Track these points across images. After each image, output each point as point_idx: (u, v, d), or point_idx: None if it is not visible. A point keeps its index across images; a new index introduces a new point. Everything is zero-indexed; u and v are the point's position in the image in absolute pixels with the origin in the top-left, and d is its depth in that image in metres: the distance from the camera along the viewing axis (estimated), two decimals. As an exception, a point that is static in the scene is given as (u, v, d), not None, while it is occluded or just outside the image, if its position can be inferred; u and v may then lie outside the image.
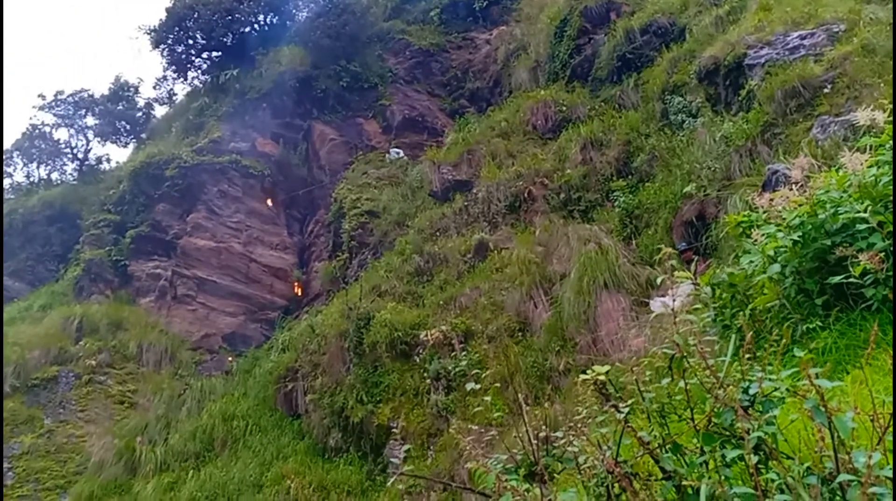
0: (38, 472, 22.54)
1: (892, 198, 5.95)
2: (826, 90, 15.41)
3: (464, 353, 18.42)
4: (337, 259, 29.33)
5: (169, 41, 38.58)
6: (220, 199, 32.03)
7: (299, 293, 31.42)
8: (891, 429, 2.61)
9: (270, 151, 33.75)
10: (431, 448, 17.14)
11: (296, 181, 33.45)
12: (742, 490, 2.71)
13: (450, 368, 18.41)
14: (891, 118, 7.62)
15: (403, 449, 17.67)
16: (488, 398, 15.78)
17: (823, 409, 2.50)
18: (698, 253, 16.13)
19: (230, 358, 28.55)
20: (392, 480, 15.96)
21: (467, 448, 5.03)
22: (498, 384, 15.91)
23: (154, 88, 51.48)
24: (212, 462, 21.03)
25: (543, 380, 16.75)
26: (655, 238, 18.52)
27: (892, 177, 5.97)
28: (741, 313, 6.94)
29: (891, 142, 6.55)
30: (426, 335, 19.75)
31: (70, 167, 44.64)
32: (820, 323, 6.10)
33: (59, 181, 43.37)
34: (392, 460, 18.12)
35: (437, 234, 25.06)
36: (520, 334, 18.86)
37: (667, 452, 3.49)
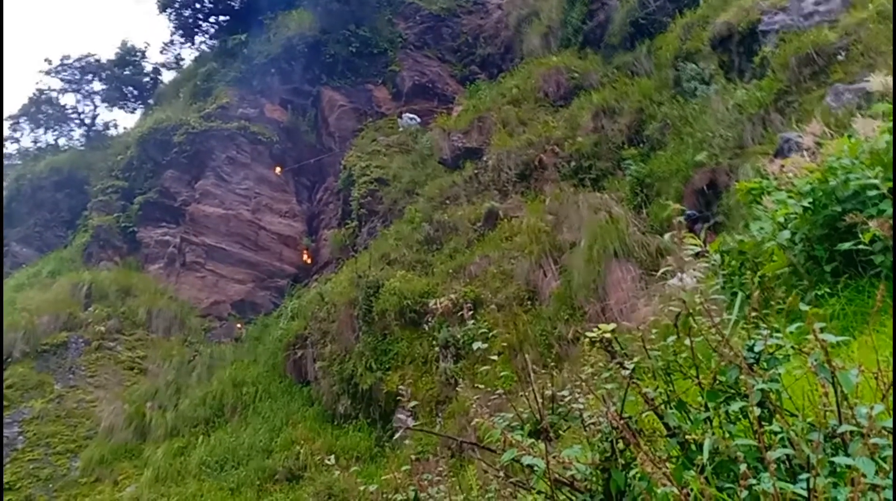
0: (48, 436, 22.80)
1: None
2: (840, 57, 15.19)
3: (472, 321, 18.46)
4: (346, 227, 29.34)
5: (176, 5, 38.34)
6: (228, 165, 32.02)
7: (308, 261, 31.48)
8: (892, 385, 2.60)
9: (279, 117, 33.63)
10: (440, 415, 17.26)
11: (305, 148, 33.35)
12: (745, 443, 2.72)
13: (458, 336, 18.49)
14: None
15: (411, 416, 17.81)
16: (496, 359, 15.94)
17: (827, 365, 2.49)
18: (709, 222, 16.04)
19: (239, 325, 28.70)
20: (398, 434, 16.08)
21: (474, 407, 5.04)
22: (505, 352, 16.02)
23: (161, 52, 51.35)
24: (221, 428, 21.27)
25: (551, 348, 16.80)
26: (666, 207, 18.40)
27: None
28: (750, 279, 6.91)
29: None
30: (435, 304, 19.82)
31: (77, 133, 44.67)
32: (829, 290, 6.06)
33: (66, 147, 43.35)
34: (400, 427, 18.28)
35: (447, 202, 25.01)
36: (529, 302, 18.90)
37: (671, 409, 3.50)
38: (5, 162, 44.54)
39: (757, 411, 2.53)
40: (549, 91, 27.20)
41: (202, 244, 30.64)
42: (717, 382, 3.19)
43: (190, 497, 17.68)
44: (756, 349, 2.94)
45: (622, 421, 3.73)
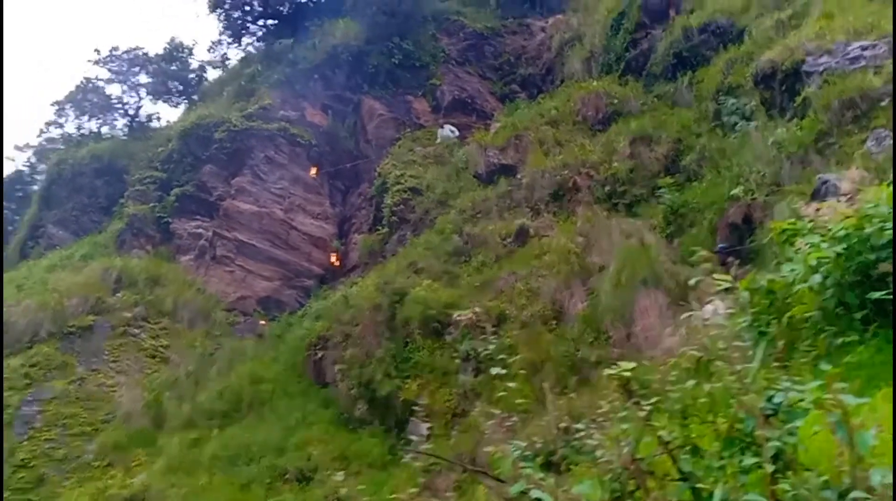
0: (66, 417, 23.13)
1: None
2: (883, 103, 15.05)
3: (495, 336, 18.46)
4: (376, 233, 29.53)
5: (226, 6, 38.91)
6: (265, 164, 32.41)
7: (336, 264, 31.68)
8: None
9: (319, 121, 34.01)
10: (455, 428, 17.26)
11: (342, 153, 33.66)
12: (755, 498, 2.74)
13: (480, 350, 18.48)
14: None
15: (426, 427, 17.83)
16: (514, 384, 15.85)
17: (845, 424, 2.51)
18: (741, 257, 15.93)
19: (263, 322, 28.94)
20: (408, 457, 16.13)
21: (488, 431, 5.09)
22: (527, 371, 15.98)
23: (208, 51, 52.04)
24: (237, 423, 21.41)
25: (573, 371, 16.75)
26: (699, 239, 18.31)
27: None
28: (777, 320, 6.88)
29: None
30: (459, 316, 19.85)
31: (120, 123, 45.41)
32: (857, 337, 6.03)
33: (108, 135, 44.05)
34: (414, 437, 18.30)
35: (479, 216, 25.05)
36: (553, 322, 18.87)
37: (685, 453, 3.52)
38: (49, 146, 45.42)
39: (770, 467, 2.56)
40: (587, 115, 27.20)
41: (234, 240, 31.01)
42: (734, 429, 3.21)
43: (200, 490, 17.80)
44: (775, 400, 2.96)
45: (635, 463, 3.77)
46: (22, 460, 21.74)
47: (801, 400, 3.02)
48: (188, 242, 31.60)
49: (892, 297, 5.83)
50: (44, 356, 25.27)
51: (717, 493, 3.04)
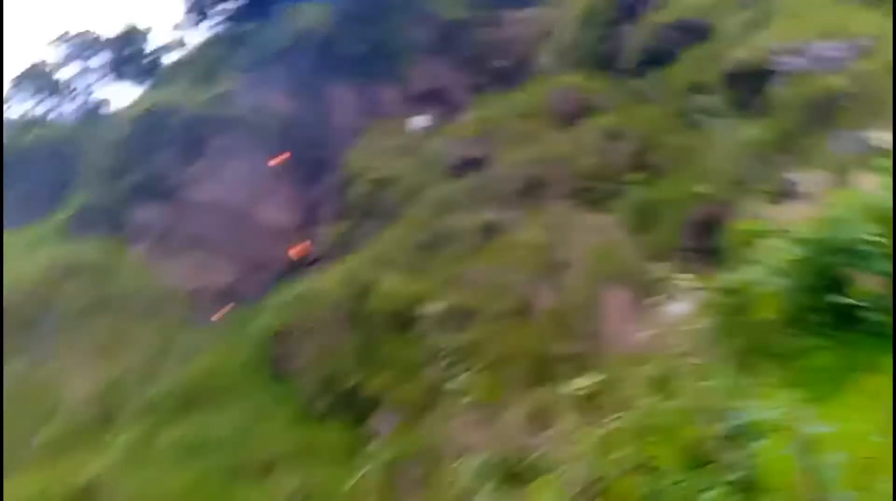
0: (13, 407, 22.46)
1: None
2: (845, 103, 15.22)
3: (463, 331, 18.39)
4: (342, 225, 29.18)
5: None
6: (225, 152, 31.74)
7: (300, 255, 31.23)
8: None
9: (283, 109, 33.32)
10: (422, 421, 17.14)
11: (306, 142, 33.07)
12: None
13: (448, 344, 18.40)
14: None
15: (392, 420, 17.72)
16: (481, 379, 15.89)
17: (807, 451, 2.43)
18: (705, 256, 16.00)
19: (221, 314, 28.31)
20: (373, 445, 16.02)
21: (454, 426, 4.97)
22: (492, 366, 15.96)
23: (171, 31, 50.87)
24: (193, 416, 20.93)
25: (540, 365, 16.71)
26: (665, 235, 18.42)
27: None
28: (740, 322, 6.88)
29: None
30: (427, 310, 19.75)
31: (70, 108, 44.16)
32: (818, 341, 6.03)
33: (57, 122, 42.86)
34: (380, 430, 18.16)
35: (448, 209, 24.91)
36: (521, 317, 18.85)
37: (645, 474, 3.44)
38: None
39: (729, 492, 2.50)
40: (558, 109, 27.15)
41: (190, 229, 30.35)
42: (696, 449, 3.14)
43: (151, 483, 17.38)
44: (736, 422, 2.90)
45: (593, 484, 3.67)
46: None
47: (762, 422, 2.95)
48: (142, 231, 30.85)
49: (848, 301, 5.84)
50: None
51: None
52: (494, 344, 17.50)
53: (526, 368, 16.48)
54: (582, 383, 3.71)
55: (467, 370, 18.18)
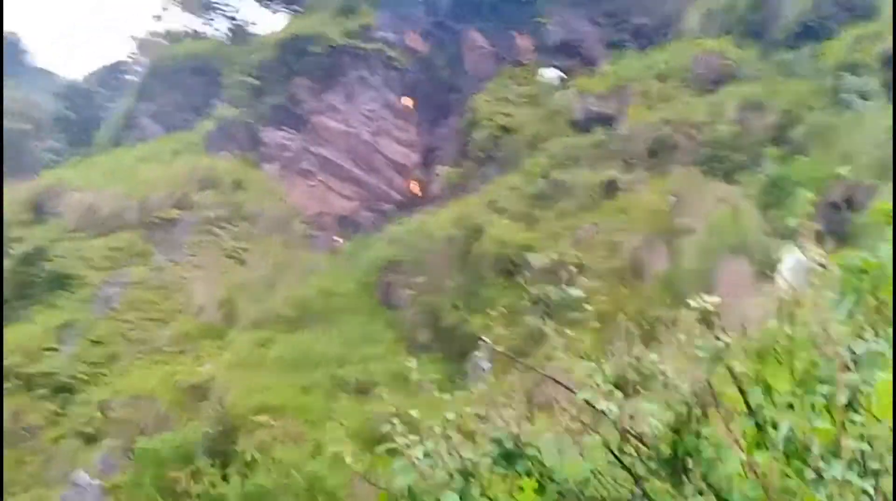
0: (143, 302, 23.95)
1: None
2: None
3: (570, 284, 18.20)
4: (461, 167, 29.27)
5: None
6: (358, 84, 32.33)
7: (417, 192, 31.62)
8: None
9: (418, 47, 33.55)
10: (518, 366, 17.19)
11: (436, 83, 33.24)
12: (822, 426, 2.54)
13: (552, 296, 18.27)
14: None
15: (488, 361, 17.83)
16: (583, 333, 15.78)
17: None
18: (839, 236, 15.24)
19: (339, 239, 29.18)
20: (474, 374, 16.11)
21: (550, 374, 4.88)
22: (597, 323, 15.77)
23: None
24: (303, 331, 21.73)
25: (646, 328, 16.39)
26: (796, 213, 17.59)
27: None
28: (864, 299, 6.50)
29: None
30: (535, 259, 19.66)
31: (222, 25, 45.37)
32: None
33: (208, 36, 44.29)
34: (476, 369, 18.32)
35: (568, 163, 24.58)
36: (631, 278, 18.54)
37: (757, 388, 3.31)
38: (153, 39, 46.19)
39: (843, 399, 2.35)
40: (698, 73, 26.17)
41: (319, 155, 31.24)
42: (810, 373, 2.99)
43: (262, 387, 18.22)
44: (857, 351, 2.73)
45: (705, 387, 3.56)
46: (98, 337, 22.71)
47: (879, 355, 2.77)
48: (274, 151, 31.94)
49: None
50: (126, 242, 26.16)
51: (784, 424, 2.83)
52: (600, 301, 17.24)
53: (630, 328, 16.18)
54: (698, 303, 3.54)
55: (570, 323, 18.11)
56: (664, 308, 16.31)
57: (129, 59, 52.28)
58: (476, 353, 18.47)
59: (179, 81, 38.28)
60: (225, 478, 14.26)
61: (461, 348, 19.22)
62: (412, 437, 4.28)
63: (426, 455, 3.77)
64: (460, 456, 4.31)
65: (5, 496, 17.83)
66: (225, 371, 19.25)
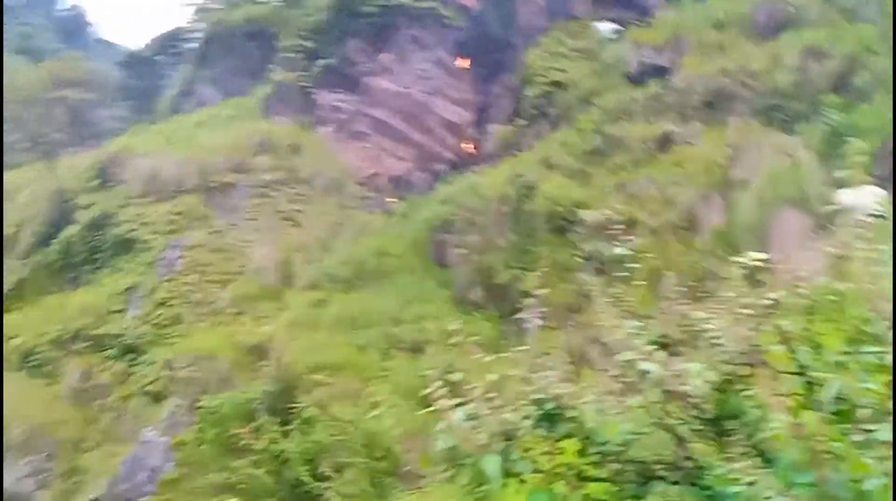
0: (204, 265, 24.60)
1: None
2: None
3: (623, 239, 18.06)
4: (514, 125, 29.07)
5: None
6: (411, 44, 32.26)
7: (470, 151, 31.58)
8: None
9: (470, 4, 33.27)
10: (568, 324, 17.21)
11: (489, 40, 32.91)
12: (873, 386, 2.54)
13: (605, 252, 18.18)
14: None
15: (540, 318, 17.89)
16: (635, 289, 15.75)
17: None
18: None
19: (393, 199, 29.42)
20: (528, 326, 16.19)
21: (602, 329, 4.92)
22: (649, 279, 15.67)
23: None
24: (359, 290, 22.13)
25: (699, 282, 16.21)
26: (855, 164, 17.06)
27: None
28: None
29: None
30: (588, 215, 19.52)
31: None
32: None
33: (264, 1, 44.48)
34: (526, 327, 18.41)
35: (622, 117, 24.15)
36: (687, 232, 18.29)
37: (806, 346, 3.29)
38: (210, 4, 46.59)
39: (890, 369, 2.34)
40: (758, 21, 25.26)
41: (372, 116, 31.39)
42: (861, 330, 2.97)
43: (320, 346, 18.65)
44: None
45: (752, 346, 3.57)
46: (162, 299, 23.47)
47: None
48: (328, 114, 32.22)
49: None
50: (187, 206, 26.85)
51: (833, 383, 2.83)
52: (654, 257, 17.10)
53: (683, 283, 16.00)
54: (745, 260, 3.54)
55: (622, 279, 17.99)
56: (718, 263, 16.16)
57: (188, 26, 52.93)
58: (527, 311, 18.54)
59: (236, 46, 38.77)
60: (285, 435, 14.75)
61: (513, 306, 19.30)
62: (455, 399, 4.37)
63: (468, 417, 3.87)
64: (501, 418, 4.40)
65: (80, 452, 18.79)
66: (283, 331, 19.73)
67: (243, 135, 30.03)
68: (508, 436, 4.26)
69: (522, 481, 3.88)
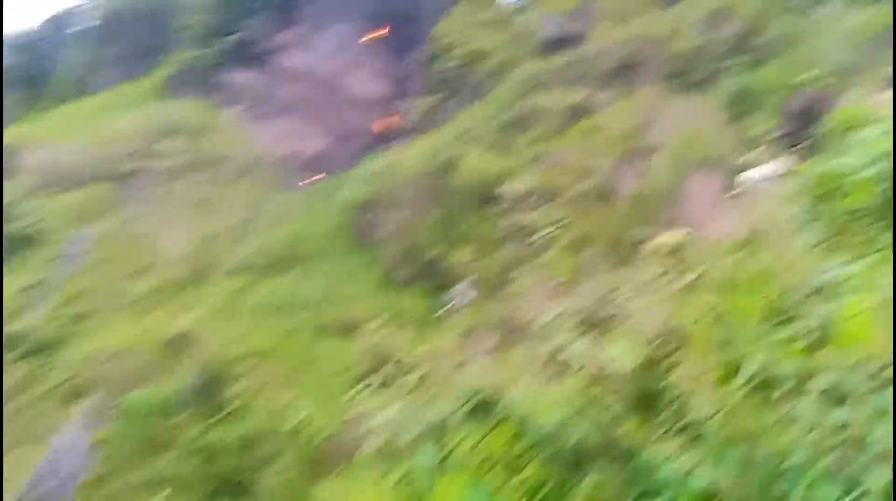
0: (113, 256, 23.68)
1: None
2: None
3: (545, 209, 18.37)
4: (430, 99, 28.97)
5: None
6: (322, 18, 31.62)
7: (390, 126, 31.33)
8: None
9: (378, -23, 32.83)
10: (498, 294, 17.44)
11: (398, 14, 32.56)
12: (792, 365, 2.71)
13: (529, 222, 18.46)
14: None
15: (470, 291, 18.08)
16: (559, 256, 16.08)
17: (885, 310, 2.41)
18: (803, 144, 15.41)
19: (311, 181, 28.94)
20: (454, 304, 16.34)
21: (530, 297, 5.08)
22: (572, 245, 16.00)
23: None
24: (281, 276, 21.73)
25: (619, 247, 16.64)
26: (762, 123, 17.73)
27: None
28: (833, 208, 6.72)
29: None
30: (509, 188, 19.74)
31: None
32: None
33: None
34: (460, 298, 18.57)
35: (538, 87, 24.38)
36: (604, 200, 18.67)
37: (726, 322, 3.46)
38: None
39: (811, 330, 2.51)
40: (664, -15, 25.79)
41: (284, 94, 30.70)
42: (777, 303, 3.14)
43: (244, 334, 18.33)
44: (822, 278, 2.87)
45: (671, 328, 3.73)
46: (71, 293, 22.52)
47: (848, 280, 2.93)
48: (238, 93, 31.38)
49: None
50: (92, 196, 25.84)
51: (752, 363, 3.02)
52: (575, 226, 17.44)
53: (605, 250, 16.42)
54: (666, 239, 3.71)
55: (546, 249, 18.42)
56: (636, 229, 16.59)
57: (84, 3, 50.50)
58: (455, 286, 18.73)
59: (136, 25, 37.24)
60: (212, 427, 14.54)
61: (442, 281, 19.45)
62: (386, 388, 4.44)
63: (399, 410, 3.95)
64: (434, 409, 4.51)
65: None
66: (205, 321, 19.23)
67: (148, 118, 28.95)
68: (440, 428, 4.38)
69: (456, 473, 4.01)
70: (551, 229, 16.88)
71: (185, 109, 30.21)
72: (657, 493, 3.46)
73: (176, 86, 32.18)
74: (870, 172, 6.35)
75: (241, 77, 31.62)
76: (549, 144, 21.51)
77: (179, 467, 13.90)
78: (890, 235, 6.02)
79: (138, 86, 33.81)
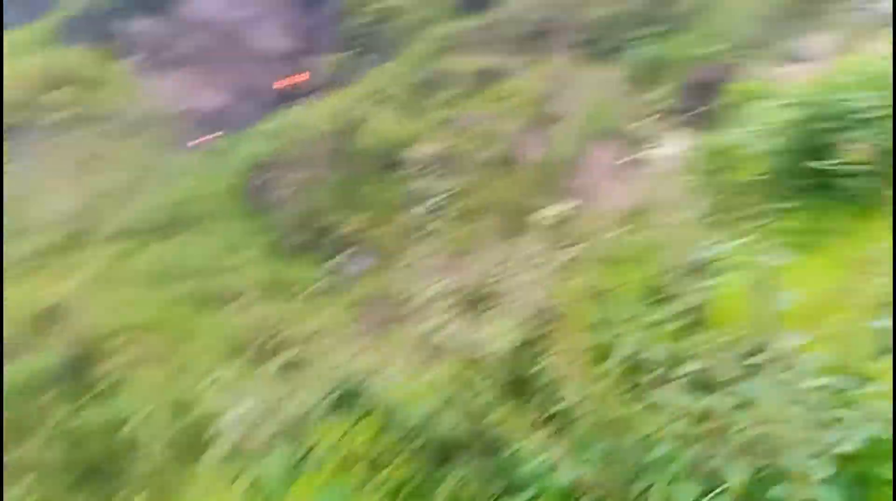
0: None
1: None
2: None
3: (448, 175, 18.13)
4: (339, 56, 28.17)
5: None
6: (223, -33, 30.26)
7: (296, 83, 30.30)
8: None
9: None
10: (390, 266, 17.14)
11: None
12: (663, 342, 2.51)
13: (431, 188, 18.14)
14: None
15: (367, 260, 17.71)
16: (458, 224, 15.95)
17: (764, 283, 2.22)
18: (702, 116, 15.67)
19: (207, 139, 27.71)
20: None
21: (423, 269, 4.79)
22: (473, 213, 15.83)
23: None
24: (170, 239, 20.68)
25: (520, 214, 16.53)
26: (664, 95, 17.99)
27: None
28: (723, 181, 6.73)
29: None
30: (414, 153, 19.39)
31: None
32: (798, 204, 5.90)
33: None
34: (352, 268, 18.16)
35: (450, 49, 24.03)
36: (507, 168, 18.61)
37: (604, 301, 3.24)
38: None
39: (678, 323, 2.32)
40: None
41: (183, 47, 29.23)
42: (654, 281, 2.93)
43: (124, 304, 17.24)
44: (700, 255, 2.67)
45: (549, 304, 3.48)
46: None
47: (725, 258, 2.71)
48: (132, 44, 29.69)
49: (830, 167, 5.71)
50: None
51: (623, 348, 2.76)
52: (475, 193, 17.31)
53: (500, 221, 16.31)
54: (550, 212, 3.41)
55: (444, 216, 18.18)
56: (532, 200, 16.54)
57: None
58: (348, 256, 18.27)
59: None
60: (82, 407, 13.60)
61: (335, 250, 18.88)
62: (244, 384, 4.01)
63: (255, 406, 3.54)
64: (296, 402, 4.11)
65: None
66: (82, 289, 18.02)
67: (36, 68, 27.10)
68: (300, 424, 3.99)
69: (313, 473, 3.64)
70: (450, 196, 16.68)
71: (78, 58, 28.35)
72: (521, 488, 3.19)
73: (69, 33, 30.17)
74: (762, 146, 6.35)
75: (139, 25, 29.89)
76: (458, 108, 21.31)
77: (44, 452, 12.89)
78: (774, 208, 6.06)
79: (27, 32, 31.51)
